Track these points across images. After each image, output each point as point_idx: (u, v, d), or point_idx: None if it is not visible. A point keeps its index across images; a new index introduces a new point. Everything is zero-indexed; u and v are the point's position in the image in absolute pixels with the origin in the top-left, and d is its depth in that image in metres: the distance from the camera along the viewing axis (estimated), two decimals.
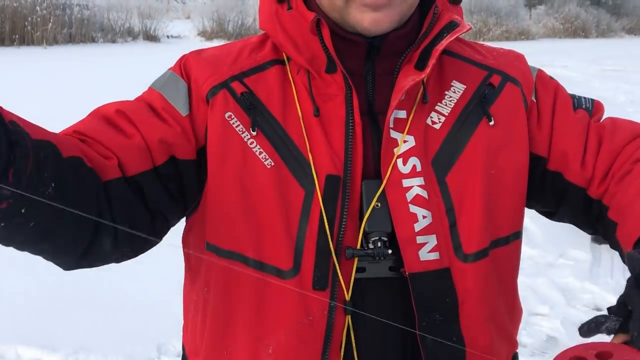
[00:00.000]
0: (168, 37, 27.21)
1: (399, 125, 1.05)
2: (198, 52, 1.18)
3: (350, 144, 1.03)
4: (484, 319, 1.06)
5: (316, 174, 1.03)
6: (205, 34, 28.68)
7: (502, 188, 1.08)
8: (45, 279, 4.00)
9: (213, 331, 1.13)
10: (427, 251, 1.02)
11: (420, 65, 1.05)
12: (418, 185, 1.03)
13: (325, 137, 1.05)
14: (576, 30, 39.13)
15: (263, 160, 1.05)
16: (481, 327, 1.06)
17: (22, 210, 0.84)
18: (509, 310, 1.13)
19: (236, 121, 1.07)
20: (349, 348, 1.05)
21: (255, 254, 1.05)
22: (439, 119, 1.08)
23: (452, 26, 1.05)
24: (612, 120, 1.18)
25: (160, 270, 4.13)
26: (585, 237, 4.84)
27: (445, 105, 1.09)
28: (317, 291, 1.02)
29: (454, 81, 1.11)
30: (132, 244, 1.06)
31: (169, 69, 1.18)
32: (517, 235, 1.14)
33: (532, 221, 5.06)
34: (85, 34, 23.29)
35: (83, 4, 24.79)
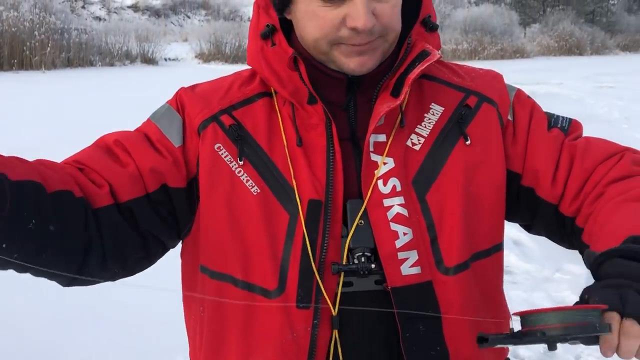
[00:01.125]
0: (166, 59, 27.36)
1: (379, 148, 1.12)
2: (192, 88, 1.27)
3: (332, 169, 1.10)
4: (467, 328, 1.11)
5: (299, 199, 1.10)
6: (203, 57, 28.85)
7: (481, 204, 1.15)
8: (49, 297, 4.04)
9: (209, 349, 1.20)
10: (409, 266, 1.09)
11: (396, 93, 1.12)
12: (398, 204, 1.10)
13: (308, 165, 1.12)
14: (571, 48, 39.40)
15: (250, 187, 1.13)
16: (465, 336, 1.11)
17: (3, 246, 0.93)
18: (494, 318, 1.17)
19: (225, 152, 1.15)
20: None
21: (244, 275, 1.12)
22: (418, 140, 1.14)
23: (423, 55, 1.12)
24: (586, 140, 1.22)
25: (164, 287, 4.18)
26: None
27: (425, 127, 1.16)
28: (301, 309, 1.09)
29: (432, 104, 1.18)
30: (122, 264, 1.15)
31: (167, 102, 1.27)
32: (498, 248, 1.20)
33: (529, 236, 5.11)
34: (83, 57, 23.44)
35: (81, 28, 24.98)
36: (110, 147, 1.18)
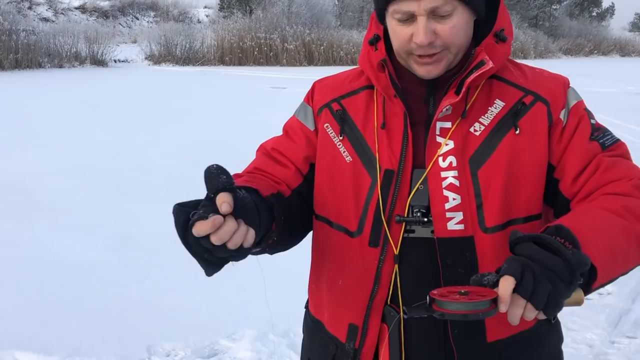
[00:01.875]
0: (115, 61, 27.10)
1: (444, 132, 1.44)
2: (320, 81, 1.67)
3: (405, 147, 1.45)
4: None
5: (379, 167, 1.46)
6: (153, 58, 28.64)
7: (521, 181, 1.43)
8: (36, 289, 4.14)
9: (313, 270, 1.63)
10: (455, 223, 1.41)
11: (458, 91, 1.42)
12: (452, 177, 1.42)
13: (389, 142, 1.47)
14: (515, 52, 40.31)
15: (345, 157, 1.51)
16: None
17: (275, 239, 1.44)
18: None
19: (331, 129, 1.55)
20: (396, 287, 1.46)
21: (336, 219, 1.52)
22: (480, 127, 1.44)
23: (480, 64, 1.41)
24: (618, 160, 1.45)
25: (147, 276, 4.30)
26: None
27: (487, 117, 1.45)
28: (371, 247, 1.46)
29: (496, 99, 1.46)
30: (304, 232, 1.62)
31: (303, 100, 1.66)
32: (535, 217, 1.47)
33: None
34: (32, 59, 23.10)
35: (29, 29, 24.57)
36: (271, 154, 1.61)
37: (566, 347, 3.46)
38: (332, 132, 1.55)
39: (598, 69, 28.55)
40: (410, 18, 1.37)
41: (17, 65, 22.48)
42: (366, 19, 47.94)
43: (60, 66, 24.34)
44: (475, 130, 1.44)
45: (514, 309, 1.11)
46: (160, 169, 7.78)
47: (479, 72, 1.40)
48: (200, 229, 1.14)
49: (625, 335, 3.71)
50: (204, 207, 1.18)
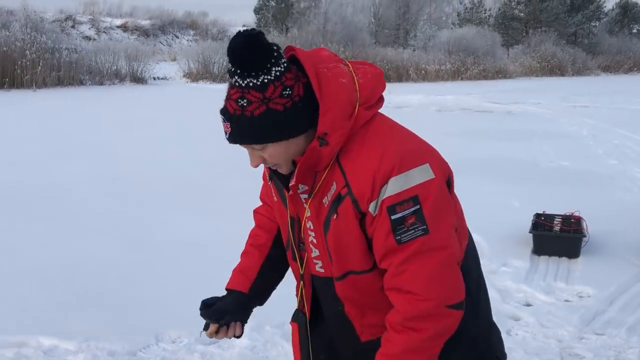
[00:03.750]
0: (154, 78, 27.84)
1: (306, 201, 1.81)
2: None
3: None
4: (357, 306, 1.85)
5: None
6: (191, 76, 29.36)
7: (345, 248, 1.77)
8: (60, 284, 4.57)
9: None
10: (319, 267, 1.86)
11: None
12: (312, 236, 1.83)
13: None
14: (552, 69, 40.10)
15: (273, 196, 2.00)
16: (356, 309, 1.86)
17: (275, 284, 2.10)
18: (379, 303, 1.80)
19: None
20: (302, 295, 1.98)
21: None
22: (326, 200, 1.76)
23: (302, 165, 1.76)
24: (406, 268, 1.67)
25: (158, 274, 4.73)
26: (527, 249, 5.43)
27: (329, 195, 1.75)
28: (294, 262, 1.95)
29: (334, 182, 1.73)
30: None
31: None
32: (367, 271, 1.80)
33: (483, 237, 5.65)
34: (73, 76, 23.91)
35: (71, 47, 25.44)
36: (263, 199, 2.13)
37: (536, 342, 3.77)
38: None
39: (636, 86, 28.38)
40: None
41: (59, 82, 23.28)
42: (402, 36, 48.29)
43: (101, 83, 25.11)
44: (324, 202, 1.76)
45: None
46: (188, 179, 8.20)
47: (296, 172, 1.74)
48: (207, 335, 1.97)
49: (594, 333, 3.92)
50: (206, 322, 1.95)
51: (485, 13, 51.71)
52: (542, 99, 21.46)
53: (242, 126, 1.67)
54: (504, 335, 3.74)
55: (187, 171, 8.69)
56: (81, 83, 24.31)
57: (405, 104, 19.77)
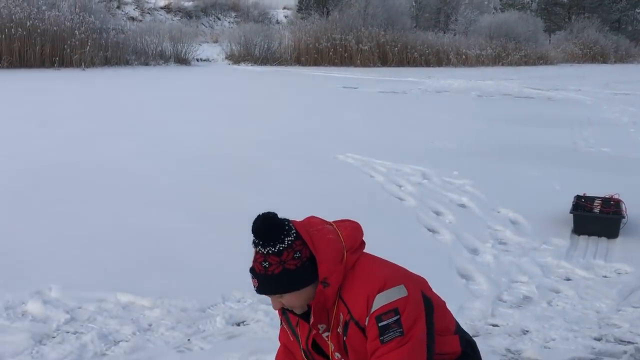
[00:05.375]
0: (197, 60, 28.27)
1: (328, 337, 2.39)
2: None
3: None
4: None
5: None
6: (233, 58, 29.69)
7: (362, 354, 2.32)
8: (132, 248, 4.95)
9: None
10: None
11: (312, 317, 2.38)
12: (338, 356, 2.41)
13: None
14: (595, 55, 39.69)
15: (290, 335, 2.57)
16: None
17: None
18: None
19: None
20: None
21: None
22: (340, 329, 2.33)
23: (313, 307, 2.34)
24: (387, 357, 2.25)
25: (221, 241, 5.12)
26: (567, 229, 5.68)
27: (340, 324, 2.33)
28: None
29: (340, 314, 2.32)
30: None
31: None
32: None
33: (525, 217, 5.92)
34: (120, 56, 24.43)
35: (118, 28, 25.98)
36: (285, 343, 2.60)
37: (575, 312, 4.05)
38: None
39: None
40: None
41: (107, 62, 23.77)
42: (443, 20, 48.05)
43: (146, 64, 25.57)
44: (339, 331, 2.35)
45: None
46: (235, 157, 8.56)
47: (311, 313, 2.34)
48: None
49: (631, 306, 4.17)
50: None
51: None
52: (583, 85, 21.39)
53: (266, 282, 2.28)
54: (544, 306, 4.07)
55: (239, 150, 9.05)
56: (127, 63, 24.79)
57: (445, 88, 19.92)
